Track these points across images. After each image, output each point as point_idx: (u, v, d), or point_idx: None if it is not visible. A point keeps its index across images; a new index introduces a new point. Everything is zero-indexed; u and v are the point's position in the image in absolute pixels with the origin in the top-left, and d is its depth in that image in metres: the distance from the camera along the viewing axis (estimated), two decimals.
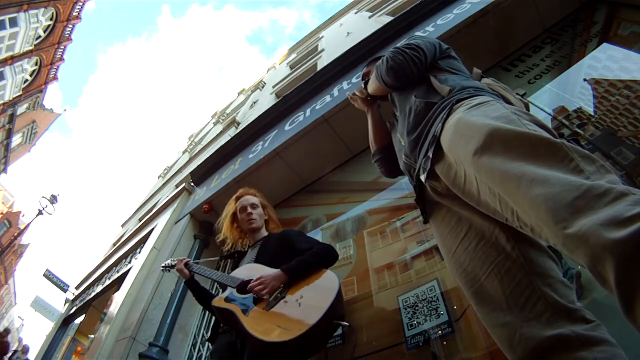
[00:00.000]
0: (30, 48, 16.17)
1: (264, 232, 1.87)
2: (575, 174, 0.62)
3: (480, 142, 0.76)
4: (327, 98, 3.80)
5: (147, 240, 4.62)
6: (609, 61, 2.52)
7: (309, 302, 1.30)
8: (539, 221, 0.63)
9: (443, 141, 0.91)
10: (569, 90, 2.57)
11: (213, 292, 1.84)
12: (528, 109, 0.97)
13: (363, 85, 1.44)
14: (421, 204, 1.11)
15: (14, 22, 14.69)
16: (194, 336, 3.25)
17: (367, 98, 1.42)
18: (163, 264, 1.95)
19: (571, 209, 0.57)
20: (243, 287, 1.49)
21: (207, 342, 3.05)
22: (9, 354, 6.68)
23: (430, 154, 0.95)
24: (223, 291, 1.58)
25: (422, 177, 1.01)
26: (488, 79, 1.13)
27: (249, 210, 1.87)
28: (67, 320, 6.00)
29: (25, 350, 6.97)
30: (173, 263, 1.87)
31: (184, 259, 1.82)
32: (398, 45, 1.18)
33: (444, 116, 0.93)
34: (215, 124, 11.27)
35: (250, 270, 1.54)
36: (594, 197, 0.56)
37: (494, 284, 0.86)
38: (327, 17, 12.38)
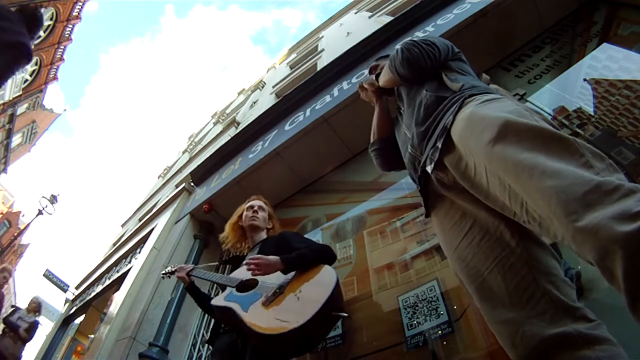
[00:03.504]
0: None
1: (263, 235, 1.90)
2: (586, 169, 0.64)
3: (494, 132, 0.77)
4: (327, 98, 3.80)
5: (147, 240, 4.62)
6: (609, 61, 2.53)
7: (308, 295, 1.33)
8: (549, 213, 0.64)
9: (454, 133, 0.92)
10: (569, 90, 2.57)
11: (213, 296, 1.86)
12: None
13: (374, 77, 1.45)
14: (424, 197, 1.11)
15: None
16: (194, 336, 3.25)
17: (377, 90, 1.43)
18: (163, 271, 1.97)
19: (582, 202, 0.58)
20: (242, 286, 1.50)
21: (207, 343, 3.05)
22: (8, 312, 4.41)
23: (439, 145, 0.95)
24: (223, 292, 1.59)
25: (429, 168, 1.01)
26: (495, 86, 1.15)
27: (255, 209, 1.95)
28: (67, 320, 5.99)
29: (36, 307, 4.52)
30: (173, 269, 1.90)
31: (187, 267, 1.84)
32: (413, 38, 1.18)
33: (456, 109, 0.95)
34: (215, 124, 11.27)
35: (249, 272, 1.55)
36: (605, 193, 0.57)
37: (497, 279, 0.86)
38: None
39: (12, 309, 4.55)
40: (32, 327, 4.30)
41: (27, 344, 4.25)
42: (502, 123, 0.78)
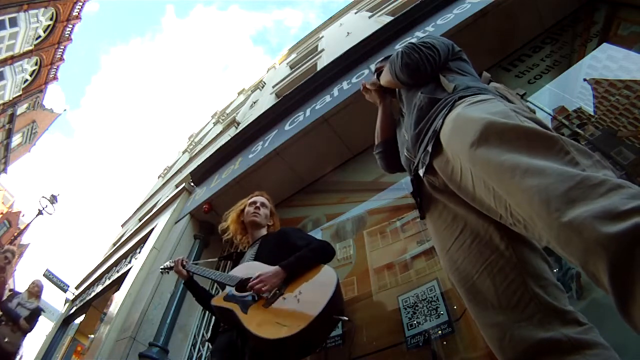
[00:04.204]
0: (30, 48, 16.17)
1: (263, 232, 1.89)
2: (571, 166, 0.62)
3: (477, 134, 0.76)
4: (327, 98, 3.80)
5: (147, 240, 4.62)
6: (609, 61, 2.53)
7: (308, 297, 1.31)
8: (532, 213, 0.62)
9: (442, 136, 0.92)
10: (569, 90, 2.57)
11: (213, 293, 1.85)
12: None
13: (376, 77, 1.45)
14: (418, 199, 1.12)
15: (14, 22, 14.69)
16: (194, 336, 3.25)
17: (379, 90, 1.44)
18: (162, 266, 1.97)
19: (565, 198, 0.56)
20: (242, 285, 1.49)
21: (207, 342, 3.05)
22: (6, 296, 3.68)
23: (429, 149, 0.96)
24: (222, 290, 1.58)
25: (421, 172, 1.02)
26: (497, 84, 1.13)
27: (258, 205, 1.95)
28: (67, 320, 5.99)
29: (36, 290, 3.87)
30: (172, 264, 1.89)
31: (180, 258, 1.84)
32: (413, 41, 1.18)
33: (446, 112, 0.94)
34: (215, 124, 11.27)
35: (249, 269, 1.54)
36: (589, 187, 0.55)
37: (486, 282, 0.86)
38: None
39: (10, 292, 3.85)
40: (34, 316, 3.68)
41: (28, 334, 3.67)
42: (484, 125, 0.76)
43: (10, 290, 3.93)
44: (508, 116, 0.77)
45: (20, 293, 3.83)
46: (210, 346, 2.45)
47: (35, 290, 3.92)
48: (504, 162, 0.68)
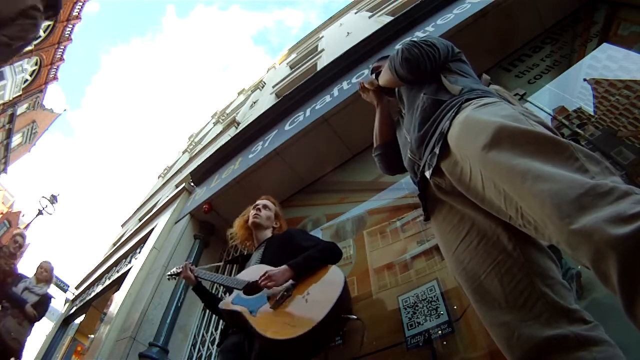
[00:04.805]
0: (30, 48, 16.15)
1: (268, 234, 1.90)
2: (581, 173, 0.64)
3: (488, 137, 0.77)
4: (327, 98, 3.80)
5: (147, 240, 4.62)
6: (609, 61, 2.52)
7: (316, 298, 1.32)
8: (544, 217, 0.64)
9: (450, 138, 0.93)
10: (569, 90, 2.57)
11: (220, 297, 1.86)
12: None
13: (374, 76, 1.45)
14: (423, 201, 1.12)
15: None
16: (194, 336, 3.25)
17: (377, 89, 1.44)
18: (169, 272, 1.98)
19: (576, 205, 0.58)
20: (249, 288, 1.49)
21: (207, 342, 3.05)
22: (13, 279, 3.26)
23: (436, 150, 0.96)
24: (230, 294, 1.59)
25: (427, 174, 1.02)
26: (496, 86, 1.14)
27: (259, 207, 1.98)
28: (67, 320, 5.99)
29: (45, 275, 3.46)
30: (179, 270, 1.90)
31: (187, 263, 1.85)
32: (413, 39, 1.18)
33: (453, 114, 0.95)
34: (215, 124, 11.27)
35: (256, 272, 1.54)
36: (598, 195, 0.57)
37: (493, 282, 0.86)
38: None
39: (16, 276, 3.39)
40: (43, 302, 3.31)
41: (36, 324, 3.30)
42: (496, 128, 0.77)
43: (20, 276, 3.52)
44: (518, 120, 0.78)
45: (27, 277, 3.41)
46: (211, 347, 2.45)
47: (44, 276, 3.47)
48: (516, 166, 0.70)
